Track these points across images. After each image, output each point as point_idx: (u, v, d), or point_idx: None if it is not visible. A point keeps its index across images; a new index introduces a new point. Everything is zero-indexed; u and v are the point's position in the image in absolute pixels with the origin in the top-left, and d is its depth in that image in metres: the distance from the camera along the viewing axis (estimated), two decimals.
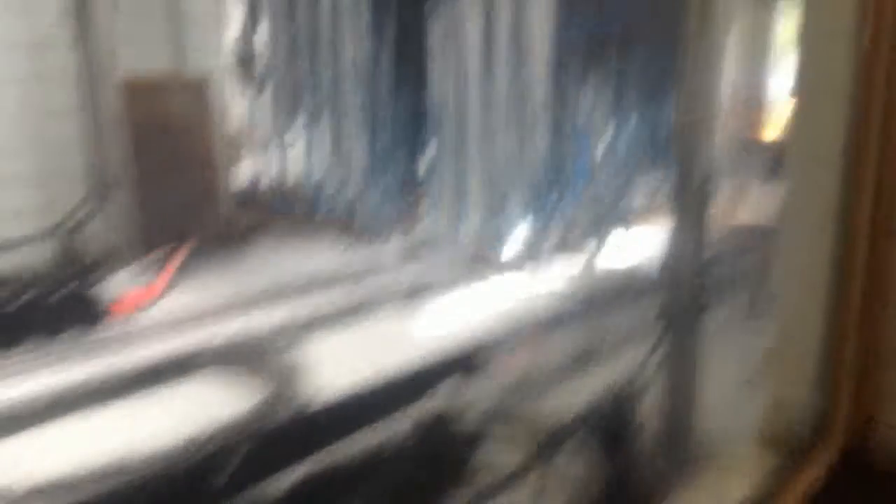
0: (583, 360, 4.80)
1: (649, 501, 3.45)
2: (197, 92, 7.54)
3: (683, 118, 4.04)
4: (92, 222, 6.60)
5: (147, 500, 3.59)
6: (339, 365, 4.93)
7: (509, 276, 6.97)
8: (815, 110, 3.56)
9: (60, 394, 4.52)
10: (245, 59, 8.58)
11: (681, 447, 3.75)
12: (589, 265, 6.50)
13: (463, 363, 4.85)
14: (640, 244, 7.87)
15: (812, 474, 3.53)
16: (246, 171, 8.37)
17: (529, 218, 5.41)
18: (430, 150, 5.86)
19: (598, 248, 5.62)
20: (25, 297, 5.35)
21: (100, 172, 6.67)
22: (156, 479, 3.65)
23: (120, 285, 6.11)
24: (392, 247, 7.71)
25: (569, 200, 5.48)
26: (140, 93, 6.89)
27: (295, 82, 6.68)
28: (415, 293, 6.46)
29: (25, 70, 6.22)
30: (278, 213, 8.20)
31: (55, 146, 6.49)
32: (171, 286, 6.40)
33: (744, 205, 6.85)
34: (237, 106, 8.47)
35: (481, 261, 7.30)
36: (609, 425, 3.51)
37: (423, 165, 6.24)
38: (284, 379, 4.79)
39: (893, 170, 3.46)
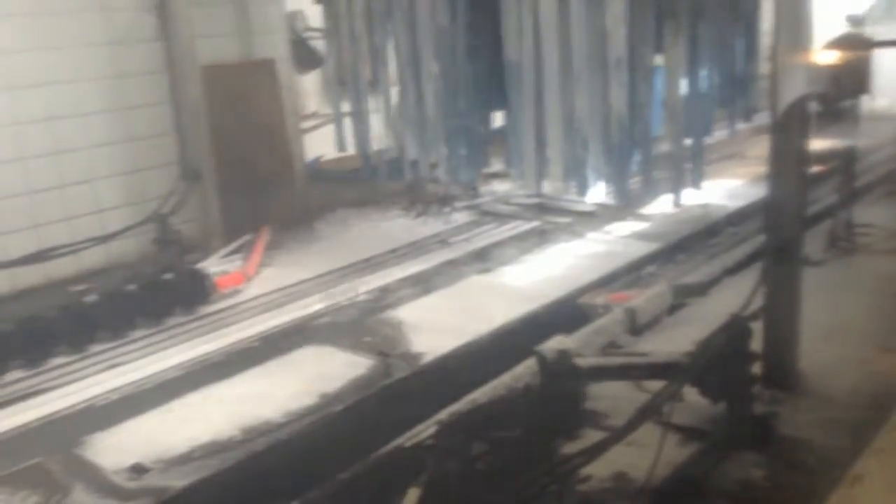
0: (686, 295, 4.96)
1: (765, 429, 3.59)
2: (268, 71, 7.73)
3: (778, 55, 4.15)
4: (184, 208, 6.89)
5: (285, 462, 3.83)
6: (450, 321, 5.18)
7: (596, 222, 7.20)
8: None
9: (188, 367, 4.84)
10: (308, 36, 8.78)
11: (786, 376, 3.91)
12: (677, 206, 6.65)
13: (569, 307, 5.06)
14: (723, 185, 8.06)
15: None
16: (318, 145, 8.58)
17: (613, 165, 5.50)
18: (507, 106, 5.96)
19: (683, 188, 5.72)
20: (136, 282, 5.66)
21: (187, 159, 6.95)
22: (292, 441, 3.93)
23: (217, 266, 6.40)
24: (475, 206, 7.96)
25: (651, 144, 5.56)
26: (217, 79, 7.11)
27: (363, 52, 6.80)
28: (506, 247, 6.72)
29: (111, 66, 6.48)
30: (354, 182, 8.41)
31: (144, 138, 6.76)
32: (263, 264, 6.68)
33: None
34: (307, 82, 8.68)
35: (569, 210, 7.52)
36: (720, 357, 3.65)
37: (500, 123, 6.35)
38: (386, 342, 5.05)
39: None
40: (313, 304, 5.78)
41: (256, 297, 5.99)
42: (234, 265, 6.49)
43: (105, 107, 6.49)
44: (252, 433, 4.00)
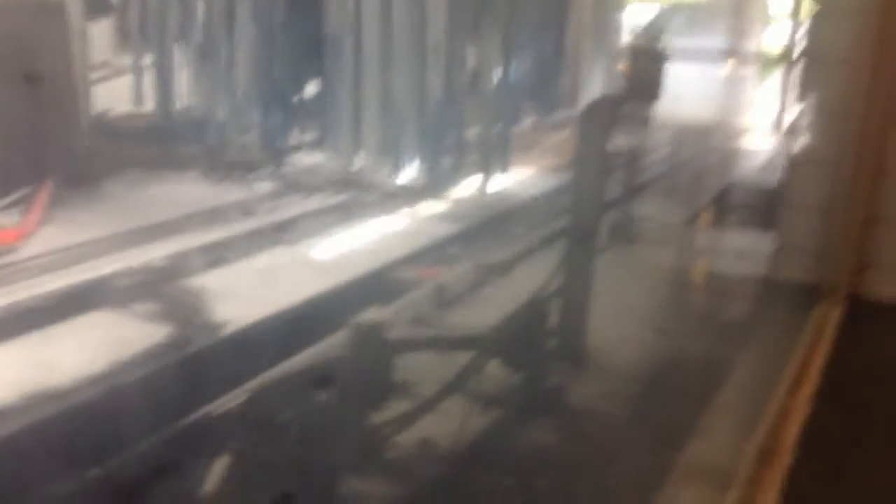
0: (487, 274, 5.21)
1: (558, 401, 3.90)
2: (57, 14, 7.05)
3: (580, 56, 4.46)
4: None
5: (61, 436, 3.59)
6: (247, 294, 5.05)
7: (406, 201, 7.29)
8: None
9: None
10: None
11: (577, 351, 4.26)
12: (482, 190, 6.93)
13: (378, 282, 5.13)
14: (528, 172, 8.48)
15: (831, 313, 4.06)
16: (110, 100, 7.96)
17: (425, 146, 5.66)
18: (323, 78, 5.91)
19: (491, 174, 6.01)
20: None
21: None
22: (67, 415, 3.66)
23: None
24: (281, 176, 7.76)
25: (461, 127, 5.78)
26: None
27: (171, 2, 6.43)
28: (311, 220, 6.63)
29: None
30: (148, 144, 7.90)
31: None
32: (43, 221, 6.12)
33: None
34: (101, 31, 7.99)
35: (377, 187, 7.56)
36: (521, 332, 3.91)
37: (314, 93, 6.28)
38: (183, 311, 4.85)
39: None
40: (101, 268, 5.38)
41: (36, 257, 5.46)
42: (9, 220, 5.88)
43: None
44: (34, 400, 3.68)
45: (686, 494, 2.94)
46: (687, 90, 9.51)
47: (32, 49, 6.81)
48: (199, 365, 4.13)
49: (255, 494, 3.00)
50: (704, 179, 8.41)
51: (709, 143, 9.69)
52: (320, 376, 3.92)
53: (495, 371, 3.76)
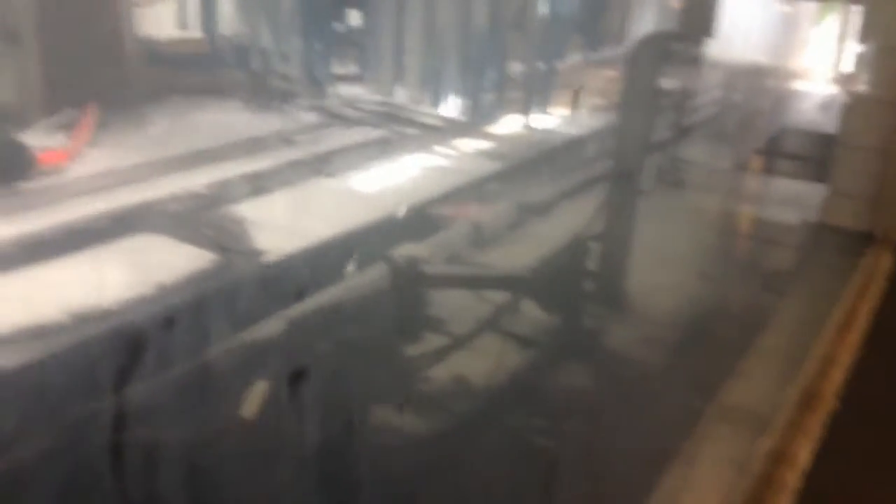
0: (527, 214, 5.17)
1: (594, 345, 3.89)
2: None
3: None
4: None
5: (109, 352, 3.67)
6: (285, 224, 5.07)
7: (447, 136, 7.22)
8: None
9: (6, 245, 4.43)
10: None
11: (616, 295, 4.22)
12: (525, 127, 6.82)
13: (417, 218, 5.11)
14: (574, 110, 8.32)
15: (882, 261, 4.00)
16: (156, 25, 7.92)
17: (468, 80, 5.55)
18: (367, 8, 5.80)
19: (534, 111, 5.90)
20: None
21: (3, 18, 6.19)
22: (116, 332, 3.74)
23: (38, 140, 5.84)
24: (322, 107, 7.71)
25: (504, 62, 5.65)
26: None
27: None
28: (351, 153, 6.60)
29: None
30: (192, 70, 7.88)
31: None
32: (89, 143, 6.17)
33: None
34: None
35: (417, 121, 7.49)
36: (560, 273, 3.88)
37: (355, 22, 6.17)
38: (228, 237, 4.89)
39: None
40: (146, 192, 5.43)
41: (83, 178, 5.54)
42: (56, 141, 5.95)
43: None
44: (83, 319, 3.77)
45: (722, 439, 2.92)
46: (741, 28, 9.20)
47: None
48: (237, 292, 4.18)
49: (290, 420, 3.06)
50: (756, 122, 8.16)
51: (761, 84, 9.37)
52: (355, 308, 3.96)
53: (531, 312, 3.75)
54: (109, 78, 7.06)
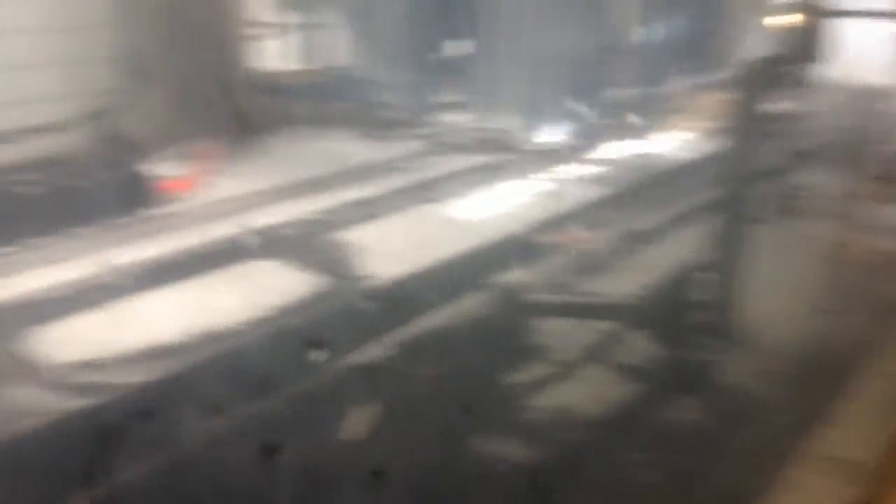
0: (636, 240, 5.09)
1: (702, 376, 3.78)
2: None
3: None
4: (132, 106, 6.60)
5: (232, 372, 3.81)
6: (395, 249, 5.17)
7: (551, 162, 7.23)
8: None
9: (130, 268, 4.71)
10: None
11: (728, 326, 4.09)
12: (629, 153, 6.72)
13: (518, 244, 5.12)
14: (679, 135, 8.18)
15: None
16: (271, 58, 8.30)
17: (570, 104, 5.54)
18: (472, 37, 5.89)
19: (639, 136, 5.83)
20: (79, 177, 5.45)
21: (137, 55, 6.63)
22: (240, 352, 3.90)
23: (163, 169, 6.20)
24: (427, 135, 7.87)
25: (609, 87, 5.62)
26: None
27: None
28: (455, 179, 6.69)
29: None
30: (303, 101, 8.20)
31: (91, 28, 6.40)
32: (210, 172, 6.50)
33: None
34: None
35: (521, 147, 7.53)
36: (668, 303, 3.80)
37: (458, 51, 6.28)
38: (338, 262, 5.03)
39: None
40: (260, 218, 5.67)
41: (203, 206, 5.84)
42: (180, 170, 6.29)
43: None
44: (199, 340, 3.96)
45: (814, 484, 2.78)
46: (853, 50, 8.82)
47: (206, 6, 7.18)
48: (344, 316, 4.29)
49: (390, 447, 3.11)
50: (873, 147, 7.78)
51: (878, 107, 8.94)
52: (459, 334, 4.00)
53: (637, 342, 3.69)
54: (229, 109, 7.43)
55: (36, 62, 6.13)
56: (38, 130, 5.99)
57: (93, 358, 3.69)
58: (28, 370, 3.59)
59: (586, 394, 3.38)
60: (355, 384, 3.53)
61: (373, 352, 3.74)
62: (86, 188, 5.41)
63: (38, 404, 3.35)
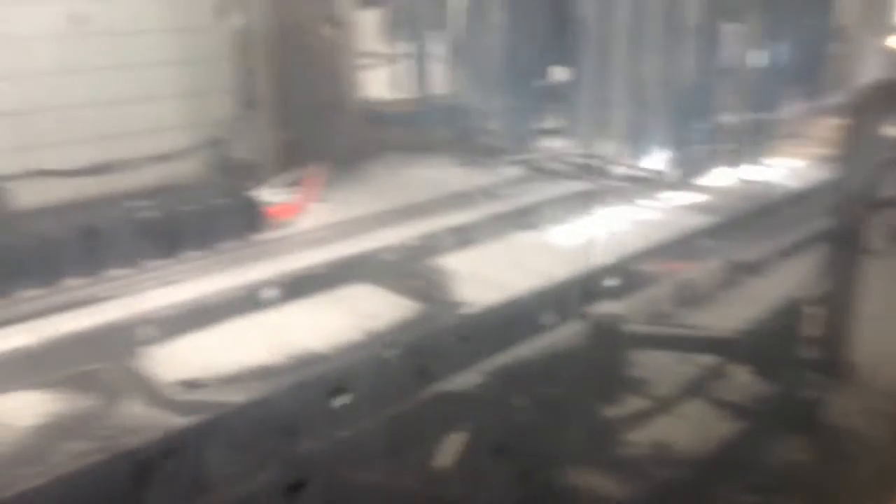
0: (739, 272, 4.92)
1: (810, 415, 3.59)
2: (329, 5, 7.65)
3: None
4: (241, 135, 6.92)
5: (328, 394, 3.90)
6: (490, 276, 5.19)
7: (653, 190, 7.11)
8: None
9: (238, 292, 4.92)
10: None
11: (839, 364, 3.88)
12: (737, 180, 6.50)
13: (619, 273, 5.04)
14: (791, 162, 7.87)
15: None
16: (376, 86, 8.53)
17: (675, 131, 5.42)
18: (570, 63, 5.87)
19: (747, 163, 5.64)
20: (192, 204, 5.74)
21: (247, 87, 6.96)
22: (337, 375, 3.99)
23: (271, 196, 6.45)
24: (525, 161, 7.88)
25: (715, 112, 5.47)
26: (281, 10, 7.06)
27: None
28: (553, 206, 6.66)
29: None
30: (405, 129, 8.38)
31: (206, 61, 6.77)
32: (314, 199, 6.72)
33: None
34: (367, 18, 8.61)
35: (622, 174, 7.43)
36: (775, 338, 3.64)
37: (560, 78, 6.27)
38: (435, 288, 5.08)
39: None
40: (361, 244, 5.81)
41: (307, 231, 6.04)
42: (286, 197, 6.53)
43: (168, 26, 6.49)
44: (299, 361, 4.08)
45: None
46: None
47: (314, 37, 7.46)
48: (439, 342, 4.32)
49: (483, 474, 3.09)
50: None
51: None
52: (552, 364, 3.96)
53: (741, 377, 3.55)
54: (334, 137, 7.68)
55: (156, 94, 6.54)
56: (158, 159, 6.38)
57: (199, 377, 3.87)
58: (143, 387, 3.80)
59: (685, 430, 3.27)
60: (448, 411, 3.54)
61: (467, 379, 3.75)
62: (200, 213, 5.70)
63: (149, 421, 3.53)
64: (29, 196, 5.67)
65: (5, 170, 5.57)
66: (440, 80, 7.89)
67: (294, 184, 6.84)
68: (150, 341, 4.24)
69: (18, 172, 5.61)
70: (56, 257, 5.02)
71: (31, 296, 4.82)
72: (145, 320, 4.49)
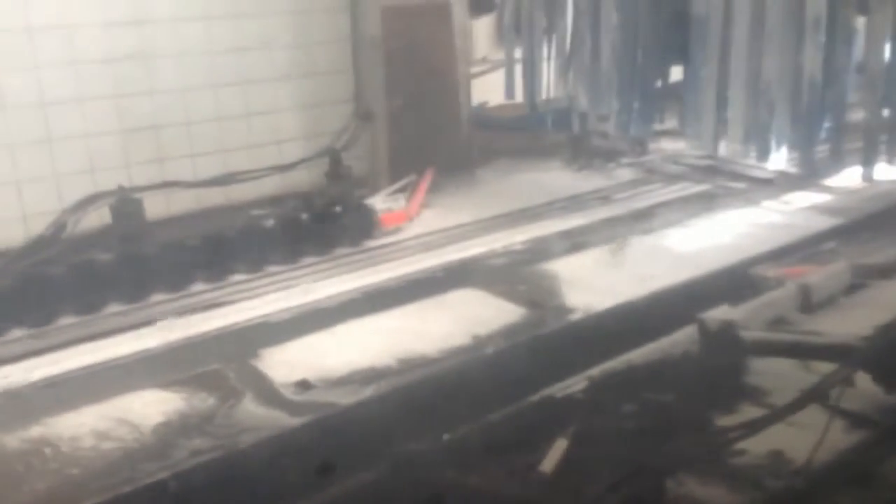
0: (867, 276, 4.64)
1: None
2: (443, 14, 7.77)
3: None
4: (355, 145, 7.13)
5: (435, 396, 3.94)
6: (598, 282, 5.12)
7: (775, 191, 6.79)
8: None
9: (351, 296, 5.09)
10: None
11: None
12: (867, 180, 6.14)
13: (738, 278, 4.86)
14: None
15: None
16: (485, 90, 8.59)
17: (799, 131, 5.18)
18: (687, 62, 5.72)
19: (877, 163, 5.31)
20: (309, 212, 5.98)
21: (362, 98, 7.17)
22: (444, 376, 4.05)
23: (383, 203, 6.62)
24: (641, 164, 7.74)
25: (844, 112, 5.18)
26: (396, 20, 7.24)
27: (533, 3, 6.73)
28: (670, 209, 6.51)
29: (297, 3, 6.73)
30: (518, 130, 8.39)
31: (324, 74, 7.03)
32: (425, 205, 6.85)
33: None
34: (478, 26, 8.70)
35: (743, 175, 7.16)
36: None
37: (677, 78, 6.11)
38: (541, 292, 5.06)
39: None
40: (470, 249, 5.88)
41: (417, 237, 6.17)
42: (398, 204, 6.69)
43: (289, 41, 6.78)
44: (407, 364, 4.17)
45: None
46: None
47: (426, 45, 7.61)
48: (546, 347, 4.31)
49: (587, 482, 3.06)
50: None
51: None
52: (665, 370, 3.86)
53: (865, 386, 3.34)
54: (447, 144, 7.79)
55: (280, 107, 6.84)
56: (279, 169, 6.68)
57: (313, 377, 4.02)
58: (261, 387, 3.99)
59: (804, 440, 3.11)
60: (555, 416, 3.52)
61: (570, 384, 3.72)
62: (317, 221, 5.93)
63: (268, 419, 3.71)
64: (161, 206, 6.05)
65: (143, 182, 5.97)
66: (552, 84, 7.85)
67: (404, 191, 7.00)
68: (268, 343, 4.43)
69: (155, 184, 5.99)
70: (185, 263, 5.36)
71: (160, 299, 5.16)
72: (265, 323, 4.73)
